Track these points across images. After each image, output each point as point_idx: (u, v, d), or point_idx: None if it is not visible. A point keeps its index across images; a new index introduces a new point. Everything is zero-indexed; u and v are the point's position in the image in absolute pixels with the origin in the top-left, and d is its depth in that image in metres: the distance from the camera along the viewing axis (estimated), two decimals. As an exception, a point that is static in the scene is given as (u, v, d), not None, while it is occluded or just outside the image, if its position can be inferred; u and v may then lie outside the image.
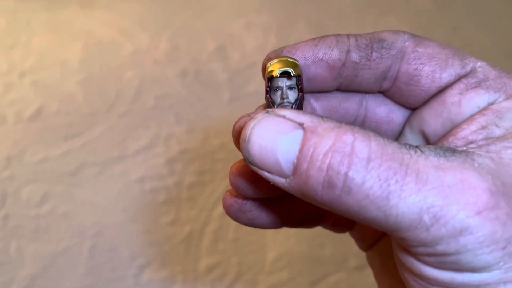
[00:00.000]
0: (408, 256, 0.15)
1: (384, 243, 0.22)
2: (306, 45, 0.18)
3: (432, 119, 0.18)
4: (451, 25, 0.67)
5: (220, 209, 0.48)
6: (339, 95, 0.20)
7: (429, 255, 0.15)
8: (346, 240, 0.46)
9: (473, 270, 0.14)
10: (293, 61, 0.18)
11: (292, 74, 0.17)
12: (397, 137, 0.20)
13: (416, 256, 0.15)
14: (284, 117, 0.15)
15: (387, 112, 0.20)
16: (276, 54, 0.19)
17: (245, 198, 0.21)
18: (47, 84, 0.56)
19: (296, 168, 0.15)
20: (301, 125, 0.15)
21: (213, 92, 0.57)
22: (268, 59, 0.19)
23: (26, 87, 0.56)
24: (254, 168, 0.16)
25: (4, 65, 0.57)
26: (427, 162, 0.14)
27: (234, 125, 0.20)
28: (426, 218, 0.14)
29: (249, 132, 0.16)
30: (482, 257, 0.14)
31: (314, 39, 0.19)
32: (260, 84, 0.58)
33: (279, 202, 0.21)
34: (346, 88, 0.19)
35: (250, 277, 0.44)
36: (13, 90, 0.55)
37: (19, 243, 0.45)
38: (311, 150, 0.14)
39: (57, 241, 0.45)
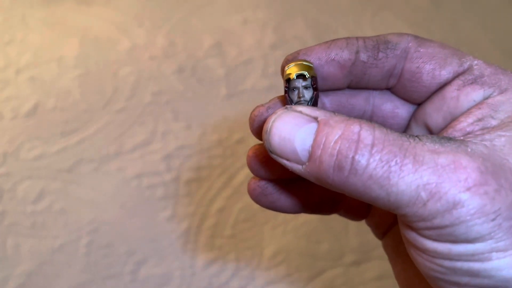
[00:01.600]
0: (411, 231, 0.17)
1: (396, 230, 0.24)
2: (319, 47, 0.21)
3: (434, 113, 0.20)
4: (448, 21, 0.67)
5: (217, 205, 0.48)
6: (348, 92, 0.22)
7: (428, 228, 0.16)
8: (342, 236, 0.46)
9: (467, 240, 0.16)
10: (308, 64, 0.20)
11: (306, 76, 0.20)
12: (404, 130, 0.22)
13: (417, 231, 0.17)
14: (300, 112, 0.18)
15: (392, 107, 0.22)
16: (293, 57, 0.21)
17: (263, 179, 0.23)
18: (43, 80, 0.56)
19: (311, 155, 0.17)
20: (315, 118, 0.17)
21: (210, 88, 0.57)
22: (286, 61, 0.21)
23: (23, 83, 0.56)
24: (274, 156, 0.18)
25: (0, 61, 0.57)
26: (424, 147, 0.16)
27: (251, 114, 0.22)
28: (422, 194, 0.16)
29: (270, 125, 0.18)
30: (474, 228, 0.16)
31: (326, 42, 0.21)
32: (256, 80, 0.58)
33: (297, 186, 0.23)
34: (356, 85, 0.22)
35: (247, 272, 0.44)
36: (9, 87, 0.55)
37: (16, 240, 0.45)
38: (324, 139, 0.17)
39: (54, 237, 0.45)
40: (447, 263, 0.17)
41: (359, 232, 0.46)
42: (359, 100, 0.22)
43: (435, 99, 0.20)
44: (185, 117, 0.54)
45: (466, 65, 0.20)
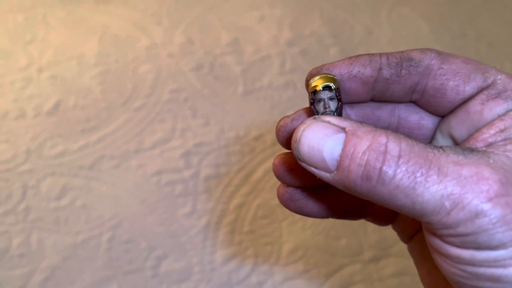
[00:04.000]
0: (435, 238, 0.18)
1: (421, 235, 0.24)
2: (343, 63, 0.21)
3: (458, 126, 0.21)
4: (467, 16, 0.66)
5: (236, 201, 0.48)
6: (373, 104, 0.23)
7: (452, 236, 0.17)
8: (361, 232, 0.47)
9: (490, 248, 0.17)
10: (332, 76, 0.21)
11: (332, 88, 0.20)
12: (430, 141, 0.23)
13: (442, 238, 0.18)
14: (329, 122, 0.19)
15: (418, 119, 0.23)
16: (317, 71, 0.22)
17: (290, 186, 0.24)
18: (64, 79, 0.57)
19: (339, 164, 0.18)
20: (343, 129, 0.18)
21: (227, 85, 0.57)
22: (311, 75, 0.22)
23: (44, 81, 0.57)
24: (303, 164, 0.19)
25: (23, 60, 0.58)
26: (448, 159, 0.17)
27: (277, 125, 0.23)
28: (447, 204, 0.17)
29: (299, 134, 0.19)
30: (496, 236, 0.17)
31: (350, 58, 0.21)
32: (273, 77, 0.58)
33: (324, 193, 0.24)
34: (379, 99, 0.22)
35: (266, 268, 0.45)
36: (32, 85, 0.56)
37: (40, 235, 0.46)
38: (352, 149, 0.17)
39: (76, 233, 0.46)
40: (470, 268, 0.17)
41: (377, 229, 0.46)
42: (384, 112, 0.23)
43: (459, 112, 0.21)
44: (203, 114, 0.54)
45: (489, 80, 0.20)
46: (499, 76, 0.20)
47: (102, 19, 0.63)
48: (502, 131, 0.19)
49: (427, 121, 0.23)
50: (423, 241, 0.23)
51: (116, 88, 0.56)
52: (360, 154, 0.17)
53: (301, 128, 0.19)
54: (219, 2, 0.65)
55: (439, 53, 0.21)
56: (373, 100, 0.22)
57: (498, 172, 0.17)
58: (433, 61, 0.21)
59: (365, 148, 0.17)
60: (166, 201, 0.48)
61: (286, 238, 0.46)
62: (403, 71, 0.21)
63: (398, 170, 0.17)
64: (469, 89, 0.20)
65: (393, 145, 0.17)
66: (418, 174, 0.17)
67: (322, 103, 0.21)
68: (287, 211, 0.48)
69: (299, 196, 0.24)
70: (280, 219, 0.47)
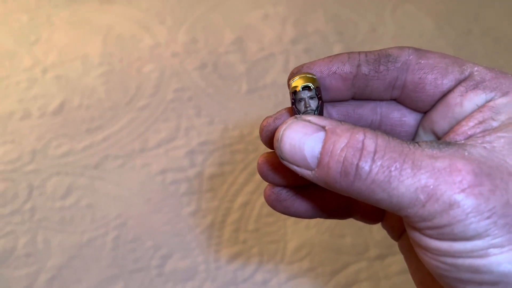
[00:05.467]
0: (415, 231, 0.18)
1: (402, 244, 0.25)
2: (322, 61, 0.22)
3: (440, 119, 0.21)
4: (472, 12, 0.66)
5: (240, 199, 0.48)
6: (354, 103, 0.23)
7: (429, 228, 0.18)
8: (366, 230, 0.46)
9: (466, 238, 0.17)
10: (311, 76, 0.22)
11: (311, 87, 0.21)
12: (413, 138, 0.23)
13: (420, 231, 0.18)
14: (309, 121, 0.19)
15: (400, 116, 0.23)
16: (297, 70, 0.22)
17: (276, 185, 0.24)
18: (68, 79, 0.57)
19: (319, 161, 0.18)
20: (323, 127, 0.19)
21: (231, 84, 0.57)
22: (292, 75, 0.22)
23: (49, 81, 0.57)
24: (285, 163, 0.19)
25: (27, 61, 0.59)
26: (423, 153, 0.18)
27: (260, 125, 0.23)
28: (421, 196, 0.17)
29: (281, 133, 0.19)
30: (471, 226, 0.17)
31: (329, 56, 0.22)
32: (277, 75, 0.58)
33: (310, 192, 0.24)
34: (360, 96, 0.23)
35: (271, 266, 0.45)
36: (37, 85, 0.56)
37: (45, 235, 0.46)
38: (331, 146, 0.18)
39: (82, 232, 0.46)
40: (449, 260, 0.18)
41: (382, 226, 0.46)
42: (366, 110, 0.23)
43: (440, 106, 0.21)
44: (207, 113, 0.54)
45: (467, 72, 0.21)
46: (475, 68, 0.21)
47: (106, 19, 0.63)
48: (481, 122, 0.19)
49: (408, 118, 0.23)
50: (407, 245, 0.24)
51: (120, 88, 0.56)
52: (338, 151, 0.18)
53: (283, 127, 0.19)
54: (223, 1, 0.65)
55: (416, 50, 0.22)
56: (354, 98, 0.23)
57: (472, 163, 0.17)
58: (411, 57, 0.21)
59: (343, 145, 0.18)
60: (171, 200, 0.48)
61: (291, 237, 0.46)
62: (381, 67, 0.21)
63: (374, 165, 0.17)
64: (447, 81, 0.21)
65: (370, 141, 0.18)
66: (393, 168, 0.17)
67: (303, 103, 0.21)
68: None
69: (285, 196, 0.24)
70: (285, 217, 0.47)
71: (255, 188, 0.49)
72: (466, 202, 0.17)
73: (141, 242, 0.46)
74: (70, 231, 0.47)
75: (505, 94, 0.19)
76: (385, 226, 0.26)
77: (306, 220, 0.47)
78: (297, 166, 0.19)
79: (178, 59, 0.59)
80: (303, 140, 0.19)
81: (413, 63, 0.21)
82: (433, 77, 0.21)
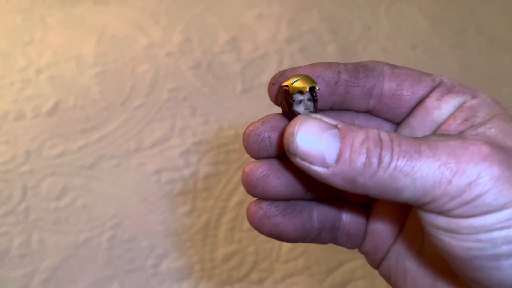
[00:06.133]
0: (442, 217, 0.18)
1: (393, 254, 0.24)
2: (305, 67, 0.22)
3: (419, 125, 0.22)
4: (467, 10, 0.66)
5: (235, 199, 0.48)
6: (332, 113, 0.24)
7: (460, 205, 0.17)
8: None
9: (498, 207, 0.17)
10: (311, 77, 0.21)
11: (317, 88, 0.21)
12: None
13: (448, 213, 0.18)
14: (321, 119, 0.19)
15: (376, 126, 0.23)
16: (280, 75, 0.22)
17: (265, 199, 0.23)
18: (63, 79, 0.57)
19: (339, 156, 0.18)
20: (335, 126, 0.19)
21: (226, 83, 0.57)
22: (276, 80, 0.22)
23: (43, 82, 0.57)
24: (297, 160, 0.19)
25: (21, 61, 0.58)
26: (433, 139, 0.18)
27: (245, 131, 0.23)
28: (446, 172, 0.17)
29: (296, 129, 0.19)
30: (502, 193, 0.17)
31: (311, 64, 0.22)
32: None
33: (298, 209, 0.24)
34: (339, 105, 0.23)
35: (267, 265, 0.45)
36: (31, 86, 0.56)
37: (40, 235, 0.46)
38: (351, 140, 0.18)
39: (77, 232, 0.46)
40: (484, 236, 0.18)
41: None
42: (345, 119, 0.23)
43: (418, 112, 0.22)
44: (202, 112, 0.54)
45: (437, 80, 0.22)
46: (444, 77, 0.22)
47: (100, 19, 0.63)
48: (466, 120, 0.20)
49: (385, 128, 0.23)
50: (396, 260, 0.24)
51: (115, 88, 0.56)
52: (359, 144, 0.18)
53: (296, 123, 0.19)
54: (217, 1, 0.65)
55: (389, 63, 0.23)
56: (333, 108, 0.23)
57: (481, 140, 0.18)
58: (385, 67, 0.22)
59: (363, 138, 0.18)
60: (166, 200, 0.48)
61: (286, 235, 0.46)
62: (361, 74, 0.22)
63: (394, 152, 0.18)
64: (422, 88, 0.22)
65: (384, 134, 0.18)
66: (412, 152, 0.18)
67: (302, 104, 0.21)
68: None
69: (274, 211, 0.23)
70: (280, 216, 0.47)
71: (250, 187, 0.49)
72: (491, 170, 0.17)
73: (137, 242, 0.46)
74: (66, 231, 0.46)
75: (474, 97, 0.21)
76: (365, 250, 0.25)
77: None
78: (311, 163, 0.19)
79: (173, 59, 0.59)
80: (319, 135, 0.19)
81: (389, 72, 0.22)
82: (409, 84, 0.22)
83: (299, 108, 0.21)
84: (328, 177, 0.19)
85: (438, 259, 0.22)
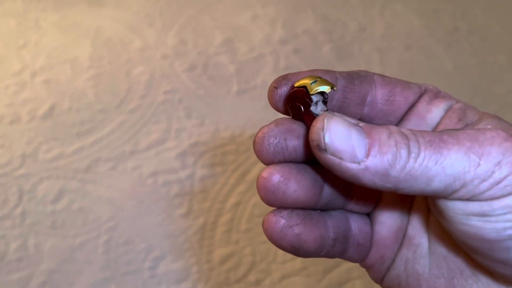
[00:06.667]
0: (472, 203, 0.19)
1: (398, 269, 0.24)
2: (305, 72, 0.23)
3: (415, 128, 0.22)
4: (459, 10, 0.66)
5: (232, 200, 0.48)
6: None
7: (491, 186, 0.18)
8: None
9: None
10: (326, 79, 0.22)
11: (334, 89, 0.21)
12: None
13: (480, 196, 0.18)
14: (344, 117, 0.19)
15: None
16: (283, 78, 0.22)
17: (285, 207, 0.22)
18: (58, 82, 0.57)
19: (369, 150, 0.19)
20: (357, 124, 0.19)
21: (221, 85, 0.57)
22: (278, 83, 0.22)
23: (38, 85, 0.57)
24: (327, 156, 0.19)
25: (16, 65, 0.58)
26: (449, 131, 0.19)
27: (258, 134, 0.22)
28: (473, 156, 0.18)
29: (326, 124, 0.19)
30: None
31: (310, 69, 0.23)
32: (267, 75, 0.58)
33: (316, 218, 0.23)
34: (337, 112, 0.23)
35: (264, 266, 0.45)
36: (26, 89, 0.56)
37: (37, 239, 0.46)
38: (378, 135, 0.19)
39: (73, 236, 0.46)
40: None
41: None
42: None
43: (411, 117, 0.23)
44: (198, 114, 0.54)
45: (423, 88, 0.23)
46: (428, 85, 0.23)
47: (95, 22, 0.63)
48: (460, 120, 0.21)
49: None
50: (402, 273, 0.24)
51: (110, 91, 0.56)
52: (387, 138, 0.19)
53: (324, 118, 0.19)
54: (212, 3, 0.65)
55: (377, 73, 0.23)
56: None
57: (492, 126, 0.19)
58: (375, 76, 0.23)
59: (389, 133, 0.19)
60: (162, 202, 0.48)
61: (283, 236, 0.46)
62: (356, 81, 0.22)
63: (421, 143, 0.18)
64: (411, 94, 0.23)
65: (404, 129, 0.19)
66: (437, 141, 0.18)
67: (319, 105, 0.21)
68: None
69: (295, 220, 0.22)
70: (277, 217, 0.47)
71: (247, 188, 0.49)
72: None
73: (134, 244, 0.46)
74: (62, 234, 0.46)
75: (457, 102, 0.22)
76: (372, 260, 0.25)
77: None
78: (342, 158, 0.19)
79: (167, 61, 0.59)
80: (348, 130, 0.19)
81: (380, 80, 0.23)
82: (401, 90, 0.23)
83: (316, 109, 0.21)
84: (359, 172, 0.18)
85: (451, 256, 0.22)
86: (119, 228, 0.47)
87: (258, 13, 0.64)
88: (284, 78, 0.22)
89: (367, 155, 0.18)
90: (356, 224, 0.24)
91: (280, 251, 0.46)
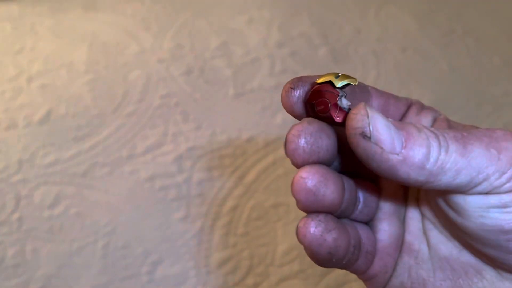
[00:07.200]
0: (493, 196, 0.19)
1: (401, 277, 0.24)
2: (314, 75, 0.23)
3: None
4: (454, 12, 0.67)
5: (229, 204, 0.48)
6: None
7: (511, 178, 0.19)
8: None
9: None
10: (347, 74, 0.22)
11: (356, 84, 0.22)
12: None
13: (500, 188, 0.19)
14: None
15: None
16: (299, 79, 0.22)
17: (321, 211, 0.21)
18: (54, 87, 0.57)
19: (406, 142, 0.19)
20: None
21: (218, 89, 0.57)
22: (298, 81, 0.22)
23: (34, 91, 0.57)
24: (370, 145, 0.19)
25: (12, 70, 0.58)
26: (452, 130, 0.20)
27: (291, 133, 0.21)
28: (493, 150, 0.19)
29: (369, 111, 0.19)
30: None
31: (318, 75, 0.23)
32: (263, 79, 0.58)
33: (344, 224, 0.22)
34: None
35: (262, 270, 0.45)
36: (22, 95, 0.56)
37: (34, 244, 0.46)
38: (411, 129, 0.19)
39: (71, 241, 0.46)
40: None
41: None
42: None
43: None
44: (194, 118, 0.54)
45: (410, 100, 0.24)
46: (412, 99, 0.25)
47: (91, 27, 0.63)
48: (450, 127, 0.22)
49: None
50: (406, 280, 0.23)
51: (106, 95, 0.56)
52: (419, 132, 0.19)
53: (366, 106, 0.19)
54: (208, 7, 0.65)
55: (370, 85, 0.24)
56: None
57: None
58: (369, 87, 0.24)
59: (418, 128, 0.19)
60: (160, 206, 0.48)
61: (281, 239, 0.46)
62: (357, 89, 0.23)
63: (448, 137, 0.19)
64: (402, 105, 0.24)
65: (427, 126, 0.20)
66: (459, 136, 0.19)
67: (343, 100, 0.21)
68: (281, 212, 0.48)
69: (332, 225, 0.21)
70: (274, 220, 0.47)
71: (244, 191, 0.49)
72: None
73: (131, 249, 0.46)
74: (59, 240, 0.46)
75: (440, 114, 0.24)
76: (376, 269, 0.24)
77: (295, 223, 0.47)
78: (383, 148, 0.18)
79: (164, 65, 0.59)
80: (388, 121, 0.19)
81: (374, 91, 0.24)
82: (394, 101, 0.24)
83: (343, 104, 0.21)
84: (397, 164, 0.18)
85: (453, 258, 0.22)
86: (117, 233, 0.47)
87: (254, 17, 0.64)
88: (299, 79, 0.22)
89: (404, 146, 0.19)
90: (363, 232, 0.23)
91: (278, 255, 0.46)
